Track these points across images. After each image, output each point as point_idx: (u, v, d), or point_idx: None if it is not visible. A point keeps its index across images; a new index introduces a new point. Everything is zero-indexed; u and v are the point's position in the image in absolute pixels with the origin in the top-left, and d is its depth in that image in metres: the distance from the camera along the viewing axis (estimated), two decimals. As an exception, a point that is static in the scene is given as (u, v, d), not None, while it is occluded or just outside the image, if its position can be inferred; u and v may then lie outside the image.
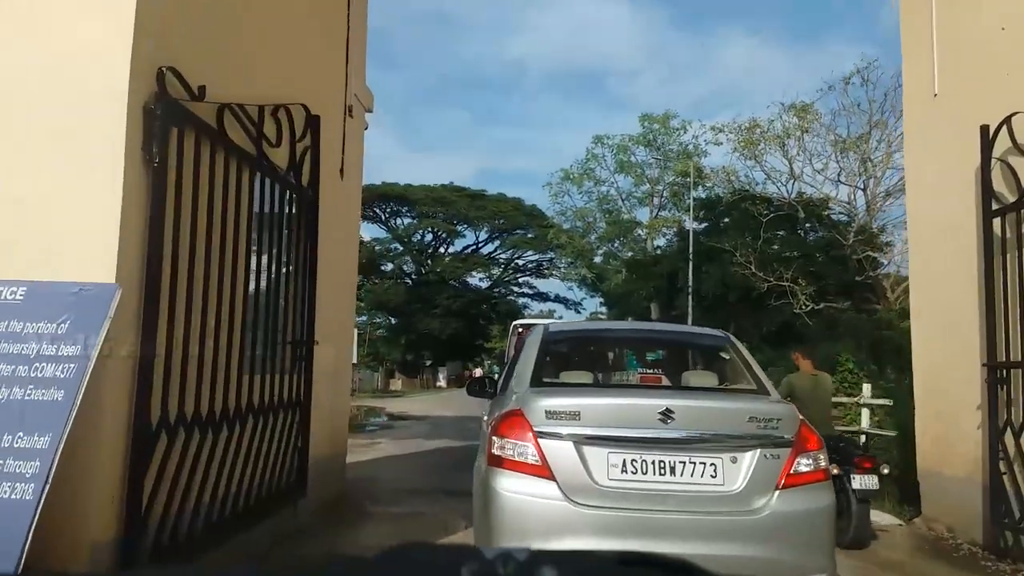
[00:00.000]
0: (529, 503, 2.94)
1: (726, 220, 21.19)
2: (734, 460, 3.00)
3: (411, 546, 0.56)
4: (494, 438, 3.12)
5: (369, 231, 52.47)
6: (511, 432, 3.06)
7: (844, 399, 8.65)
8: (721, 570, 0.74)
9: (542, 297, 45.31)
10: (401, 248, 45.51)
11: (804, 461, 3.03)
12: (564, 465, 2.97)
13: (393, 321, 45.47)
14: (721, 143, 20.90)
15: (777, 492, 2.96)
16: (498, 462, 3.05)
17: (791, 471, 3.00)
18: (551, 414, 3.05)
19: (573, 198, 32.52)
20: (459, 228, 45.03)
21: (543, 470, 2.96)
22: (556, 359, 3.92)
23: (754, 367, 3.68)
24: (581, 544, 2.83)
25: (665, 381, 3.89)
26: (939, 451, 5.55)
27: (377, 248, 44.83)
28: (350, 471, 7.65)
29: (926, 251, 6.07)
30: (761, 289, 17.71)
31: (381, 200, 43.72)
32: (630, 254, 29.63)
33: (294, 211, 4.82)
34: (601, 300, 34.31)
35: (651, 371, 4.09)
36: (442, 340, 41.86)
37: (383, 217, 45.27)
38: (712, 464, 2.99)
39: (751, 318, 19.41)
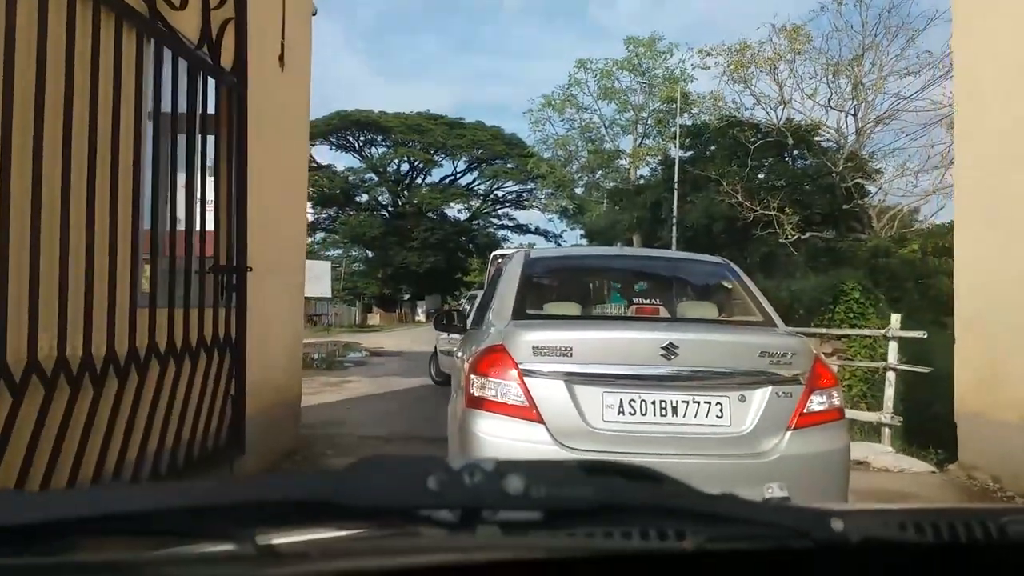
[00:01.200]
0: (514, 449, 2.61)
1: (712, 148, 20.21)
2: (742, 399, 2.72)
3: (379, 458, 0.54)
4: (473, 377, 2.76)
5: (343, 160, 50.61)
6: (493, 370, 2.72)
7: (849, 331, 7.77)
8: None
9: (522, 229, 44.32)
10: (376, 179, 43.82)
11: (818, 399, 2.76)
12: (554, 406, 2.67)
13: (370, 255, 44.29)
14: (709, 67, 19.69)
15: (789, 433, 2.70)
16: (478, 403, 2.72)
17: (804, 410, 2.73)
18: (539, 349, 2.70)
19: (555, 126, 31.08)
20: (436, 158, 43.37)
21: (530, 412, 2.67)
22: (539, 289, 3.49)
23: (759, 297, 3.33)
24: None
25: (663, 313, 3.46)
26: (984, 393, 4.94)
27: (351, 179, 43.09)
28: (314, 416, 6.89)
29: (982, 167, 5.13)
30: (747, 219, 16.96)
31: (354, 127, 41.71)
32: (612, 184, 28.54)
33: (213, 101, 3.72)
34: (582, 232, 33.40)
35: (648, 301, 3.57)
36: (420, 274, 40.95)
37: (356, 146, 43.33)
38: (719, 404, 2.71)
39: (735, 249, 18.71)
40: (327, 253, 41.87)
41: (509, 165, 42.58)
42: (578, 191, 31.49)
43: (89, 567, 0.50)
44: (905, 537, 0.59)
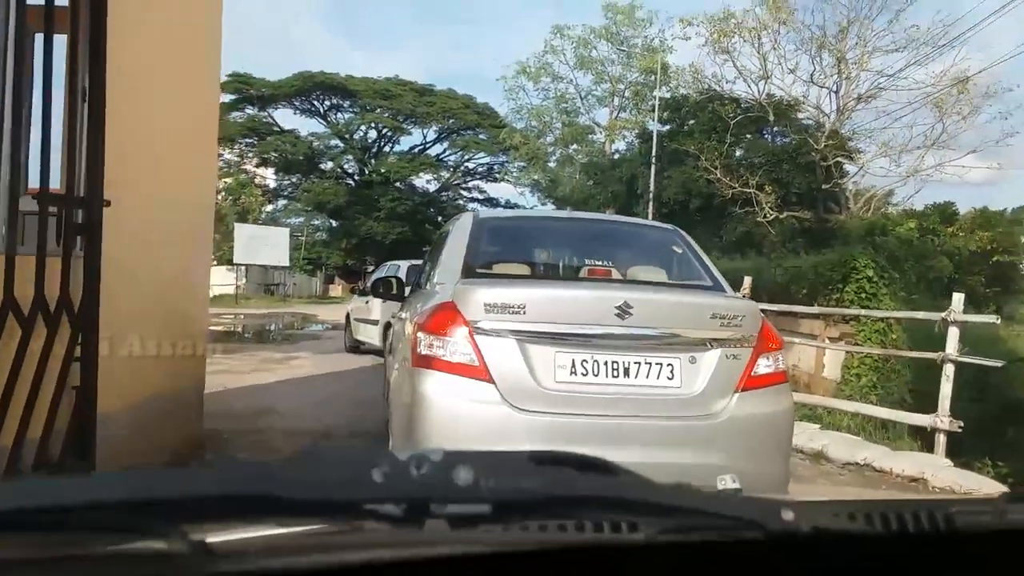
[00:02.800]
0: (464, 408, 2.62)
1: (691, 122, 20.26)
2: (692, 360, 2.78)
3: (321, 449, 0.61)
4: (421, 335, 2.73)
5: (307, 126, 49.46)
6: (442, 328, 2.68)
7: (860, 311, 7.04)
8: (674, 478, 0.64)
9: (492, 203, 43.99)
10: (342, 145, 42.95)
11: (765, 362, 2.85)
12: (505, 365, 2.64)
13: (333, 224, 43.58)
14: (690, 38, 19.66)
15: (737, 395, 2.78)
16: (426, 362, 2.68)
17: (752, 372, 2.81)
18: (491, 307, 2.67)
19: (529, 95, 30.76)
20: (405, 126, 42.60)
21: (480, 371, 2.63)
22: (489, 249, 3.44)
23: (707, 262, 3.45)
24: None
25: (616, 275, 3.48)
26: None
27: (315, 144, 42.17)
28: (240, 402, 6.00)
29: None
30: (725, 196, 17.11)
31: (319, 90, 40.70)
32: (586, 159, 28.48)
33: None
34: (555, 207, 33.33)
35: (600, 263, 3.62)
36: (386, 245, 40.49)
37: (321, 111, 42.34)
38: (670, 365, 2.76)
39: (712, 226, 18.92)
40: (288, 221, 41.10)
41: (481, 136, 42.08)
42: (551, 165, 31.37)
43: (1, 565, 0.49)
44: (854, 528, 0.61)
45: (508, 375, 2.64)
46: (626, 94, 29.01)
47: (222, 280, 28.60)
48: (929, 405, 5.49)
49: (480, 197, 44.95)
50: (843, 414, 6.44)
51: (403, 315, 3.64)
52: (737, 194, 17.35)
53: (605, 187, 22.09)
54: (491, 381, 2.62)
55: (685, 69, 22.00)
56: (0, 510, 0.47)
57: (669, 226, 3.91)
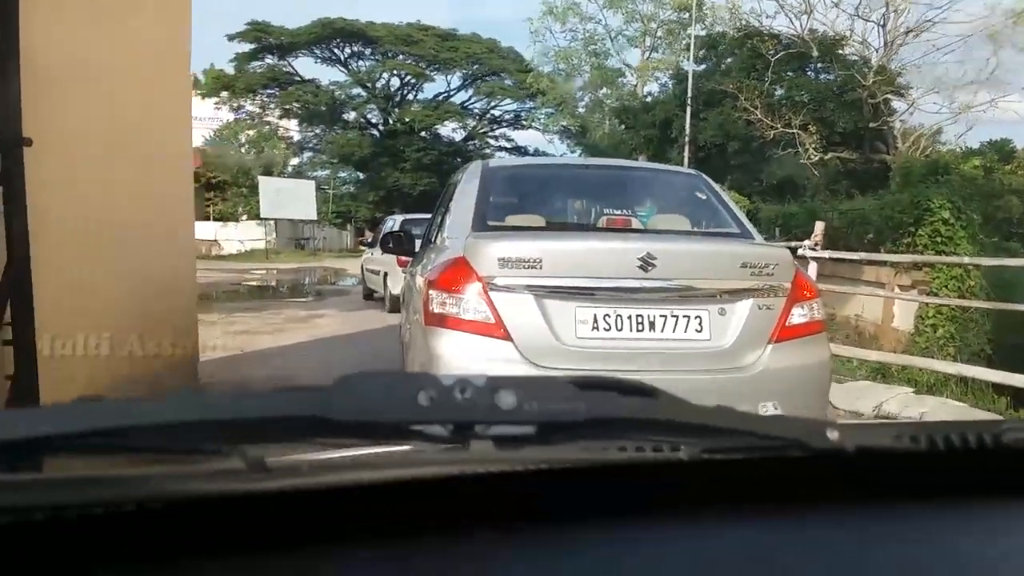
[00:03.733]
0: (481, 368, 2.42)
1: (728, 61, 19.57)
2: (722, 312, 2.69)
3: (368, 374, 0.56)
4: (432, 293, 2.66)
5: (327, 75, 49.11)
6: (455, 284, 2.61)
7: (932, 257, 6.59)
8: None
9: (520, 151, 43.46)
10: (364, 95, 42.63)
11: (799, 312, 2.77)
12: (523, 322, 2.57)
13: (360, 176, 43.64)
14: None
15: (770, 346, 2.70)
16: (440, 321, 2.61)
17: (786, 323, 2.73)
18: (505, 262, 2.59)
19: (556, 38, 29.96)
20: (428, 72, 42.00)
21: (497, 328, 2.56)
22: (501, 201, 3.34)
23: (734, 208, 3.37)
24: None
25: (636, 224, 3.43)
26: None
27: (337, 93, 41.91)
28: (252, 370, 5.58)
29: None
30: (766, 137, 16.64)
31: (339, 37, 40.22)
32: (616, 103, 27.83)
33: None
34: (584, 155, 32.84)
35: (619, 212, 3.53)
36: (413, 196, 40.49)
37: (342, 59, 41.92)
38: (698, 317, 2.68)
39: (751, 170, 18.47)
40: (314, 174, 41.27)
41: (507, 82, 41.34)
42: (580, 110, 30.75)
43: (71, 483, 0.52)
44: (899, 446, 0.62)
45: (526, 332, 2.57)
46: (658, 33, 28.09)
47: (252, 235, 29.07)
48: (1013, 358, 5.22)
49: (507, 146, 44.49)
50: (928, 373, 5.74)
51: (414, 270, 3.58)
52: (778, 135, 16.84)
53: (637, 131, 21.62)
54: (508, 339, 2.56)
55: (720, 5, 21.18)
56: (67, 431, 0.51)
57: (692, 171, 3.82)
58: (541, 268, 2.60)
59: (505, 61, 40.60)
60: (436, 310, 2.64)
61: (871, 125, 16.74)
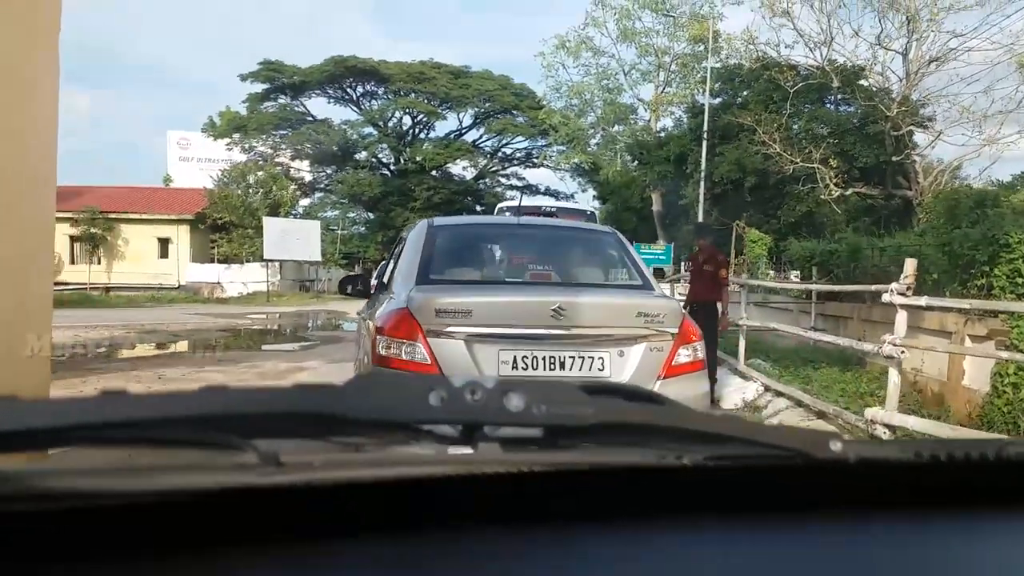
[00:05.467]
0: None
1: (745, 93, 19.82)
2: (621, 354, 3.29)
3: (380, 374, 0.65)
4: (379, 338, 3.22)
5: (339, 115, 50.20)
6: (399, 331, 3.17)
7: (1017, 306, 5.59)
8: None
9: (531, 189, 43.97)
10: (376, 134, 43.51)
11: (684, 352, 3.40)
12: (454, 363, 3.10)
13: (370, 216, 44.22)
14: (741, 2, 19.14)
15: (659, 381, 3.30)
16: (385, 362, 3.15)
17: (672, 362, 3.35)
18: (441, 312, 3.16)
19: (568, 72, 30.55)
20: (440, 110, 42.86)
21: (432, 368, 3.09)
22: (442, 255, 3.93)
23: (639, 263, 4.04)
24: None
25: (555, 277, 4.06)
26: None
27: (349, 133, 42.79)
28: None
29: None
30: (784, 172, 16.71)
31: (351, 76, 41.26)
32: (629, 140, 28.17)
33: None
34: (595, 193, 33.12)
35: (542, 268, 4.20)
36: (424, 236, 40.86)
37: (354, 98, 42.94)
38: (601, 358, 3.27)
39: (767, 206, 18.53)
40: (324, 215, 41.89)
41: (519, 119, 42.09)
42: (592, 147, 31.12)
43: (87, 472, 0.56)
44: (903, 458, 0.64)
45: (457, 371, 2.99)
46: (672, 67, 28.58)
47: (256, 277, 29.33)
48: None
49: (519, 184, 44.99)
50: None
51: (366, 313, 4.09)
52: (798, 170, 16.94)
53: (651, 167, 21.85)
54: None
55: (736, 37, 21.58)
56: (79, 423, 0.54)
57: (608, 228, 4.67)
58: (471, 317, 3.16)
59: (517, 98, 41.38)
60: (382, 352, 3.16)
61: (894, 159, 16.78)
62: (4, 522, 0.50)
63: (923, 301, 5.35)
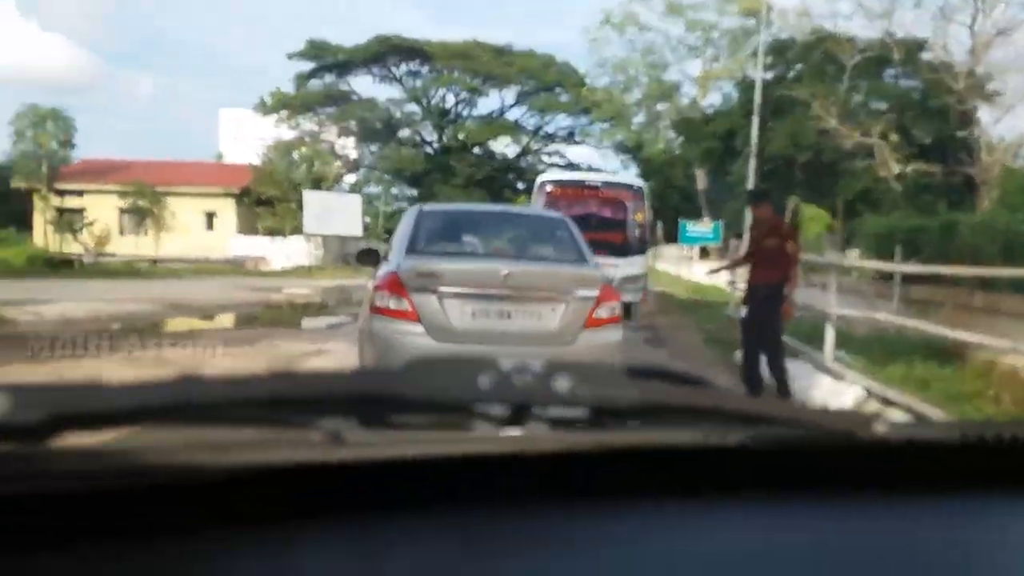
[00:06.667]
0: (401, 338, 4.16)
1: (798, 67, 19.22)
2: (553, 309, 4.33)
3: (434, 359, 0.64)
4: (376, 292, 4.33)
5: (384, 93, 50.52)
6: (389, 288, 4.25)
7: None
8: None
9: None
10: (419, 112, 43.68)
11: (603, 310, 4.39)
12: (429, 312, 4.18)
13: (412, 192, 44.57)
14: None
15: (584, 331, 4.33)
16: (379, 311, 4.25)
17: (594, 316, 4.35)
18: (422, 275, 4.25)
19: (614, 48, 30.03)
20: (483, 88, 42.73)
21: (413, 315, 4.17)
22: (427, 233, 4.92)
23: (580, 242, 4.98)
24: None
25: (511, 252, 5.08)
26: None
27: (393, 110, 43.02)
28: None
29: None
30: (841, 148, 16.21)
31: (396, 54, 41.38)
32: (676, 117, 27.60)
33: None
34: (637, 171, 32.63)
35: (503, 244, 5.29)
36: (466, 214, 40.97)
37: (398, 76, 43.10)
38: (538, 312, 4.33)
39: (821, 184, 18.03)
40: (368, 190, 42.38)
41: (562, 97, 41.67)
42: (636, 124, 30.63)
43: (166, 450, 0.60)
44: (949, 438, 0.64)
45: (431, 318, 4.17)
46: (721, 41, 27.87)
47: (302, 250, 29.88)
48: None
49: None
50: None
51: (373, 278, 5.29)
52: (855, 146, 16.41)
53: (697, 143, 21.42)
54: (419, 322, 4.16)
55: (788, 11, 20.87)
56: (157, 404, 0.59)
57: (558, 215, 5.75)
58: (444, 279, 4.22)
59: (560, 75, 40.94)
60: (377, 304, 4.27)
61: (957, 134, 16.12)
62: (94, 498, 0.55)
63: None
